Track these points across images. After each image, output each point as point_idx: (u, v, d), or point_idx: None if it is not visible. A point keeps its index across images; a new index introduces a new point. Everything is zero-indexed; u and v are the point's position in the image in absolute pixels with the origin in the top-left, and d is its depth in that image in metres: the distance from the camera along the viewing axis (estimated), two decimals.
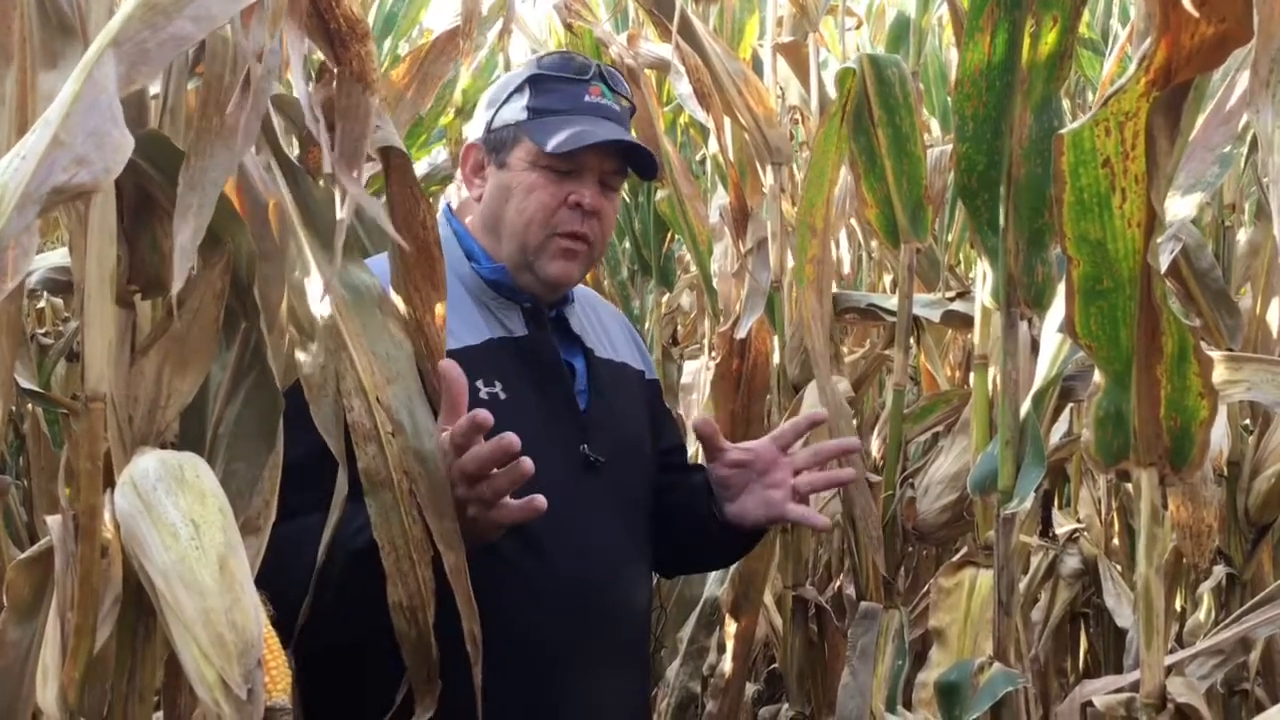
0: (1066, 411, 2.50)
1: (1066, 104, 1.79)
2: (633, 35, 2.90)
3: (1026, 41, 1.61)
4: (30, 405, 3.11)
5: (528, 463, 1.41)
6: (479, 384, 1.69)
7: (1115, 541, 3.35)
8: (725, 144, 2.75)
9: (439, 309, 1.43)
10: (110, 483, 1.06)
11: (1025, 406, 1.78)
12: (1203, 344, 1.36)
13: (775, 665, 3.52)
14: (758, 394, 2.79)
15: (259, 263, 1.17)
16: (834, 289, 2.76)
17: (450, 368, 1.46)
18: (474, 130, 1.89)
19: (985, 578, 2.15)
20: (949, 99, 4.15)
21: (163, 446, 1.10)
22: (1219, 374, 1.68)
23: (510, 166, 1.80)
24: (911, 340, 2.67)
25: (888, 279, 4.08)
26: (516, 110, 1.80)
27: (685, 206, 3.06)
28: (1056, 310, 1.77)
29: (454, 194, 2.02)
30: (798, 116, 3.21)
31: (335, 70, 1.18)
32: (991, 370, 1.95)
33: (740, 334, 2.69)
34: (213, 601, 0.99)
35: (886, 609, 2.45)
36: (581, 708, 1.75)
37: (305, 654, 1.56)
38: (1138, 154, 1.27)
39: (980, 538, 2.26)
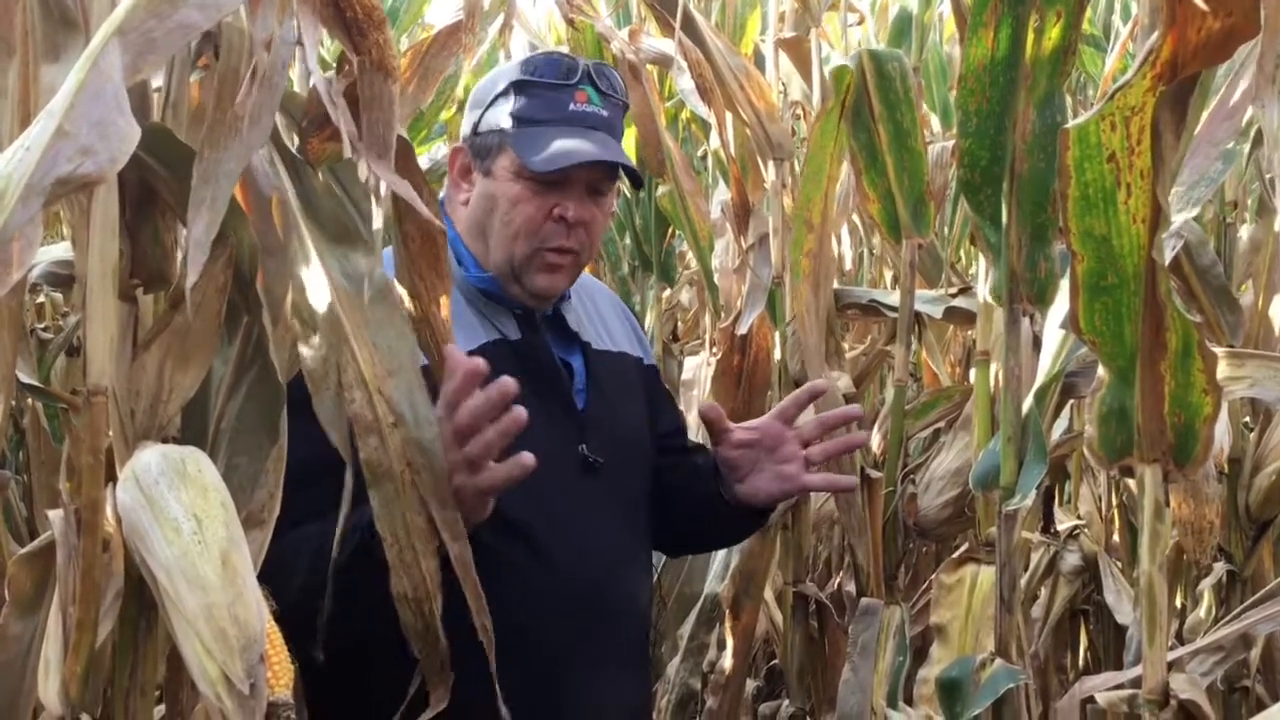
0: (1067, 408, 2.50)
1: (1068, 100, 1.79)
2: (634, 30, 2.88)
3: (1030, 37, 1.61)
4: (30, 400, 3.10)
5: (528, 456, 1.41)
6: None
7: (1116, 538, 3.35)
8: (727, 139, 2.74)
9: (444, 300, 1.43)
10: (112, 477, 1.06)
11: (1027, 403, 1.78)
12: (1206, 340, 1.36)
13: (775, 662, 3.52)
14: (759, 390, 2.79)
15: (262, 257, 1.16)
16: (835, 285, 2.76)
17: (454, 351, 1.45)
18: (462, 129, 1.88)
19: (986, 574, 2.15)
20: (950, 94, 4.15)
21: (165, 441, 1.10)
22: (1220, 371, 1.67)
23: (495, 176, 1.78)
24: (913, 336, 2.67)
25: (889, 275, 4.08)
26: (501, 116, 1.78)
27: (686, 202, 3.05)
28: (1059, 306, 1.77)
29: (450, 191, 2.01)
30: (799, 112, 3.21)
31: (355, 60, 1.18)
32: (993, 366, 1.95)
33: (741, 330, 2.69)
34: (215, 596, 0.98)
35: (887, 605, 2.45)
36: (583, 708, 1.75)
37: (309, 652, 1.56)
38: (1143, 149, 1.27)
39: (981, 534, 2.26)
